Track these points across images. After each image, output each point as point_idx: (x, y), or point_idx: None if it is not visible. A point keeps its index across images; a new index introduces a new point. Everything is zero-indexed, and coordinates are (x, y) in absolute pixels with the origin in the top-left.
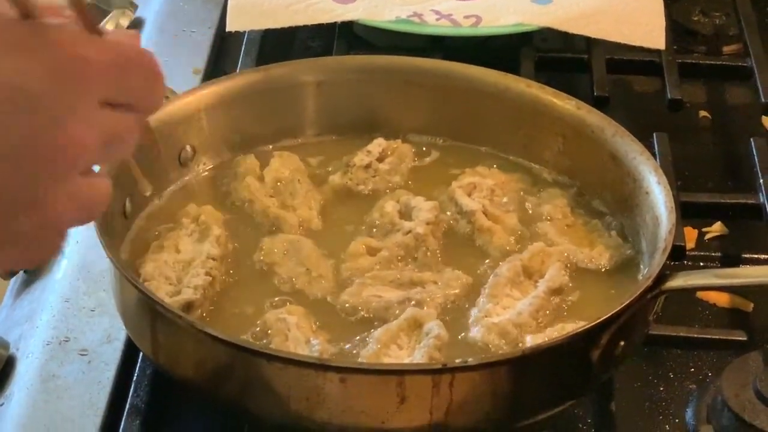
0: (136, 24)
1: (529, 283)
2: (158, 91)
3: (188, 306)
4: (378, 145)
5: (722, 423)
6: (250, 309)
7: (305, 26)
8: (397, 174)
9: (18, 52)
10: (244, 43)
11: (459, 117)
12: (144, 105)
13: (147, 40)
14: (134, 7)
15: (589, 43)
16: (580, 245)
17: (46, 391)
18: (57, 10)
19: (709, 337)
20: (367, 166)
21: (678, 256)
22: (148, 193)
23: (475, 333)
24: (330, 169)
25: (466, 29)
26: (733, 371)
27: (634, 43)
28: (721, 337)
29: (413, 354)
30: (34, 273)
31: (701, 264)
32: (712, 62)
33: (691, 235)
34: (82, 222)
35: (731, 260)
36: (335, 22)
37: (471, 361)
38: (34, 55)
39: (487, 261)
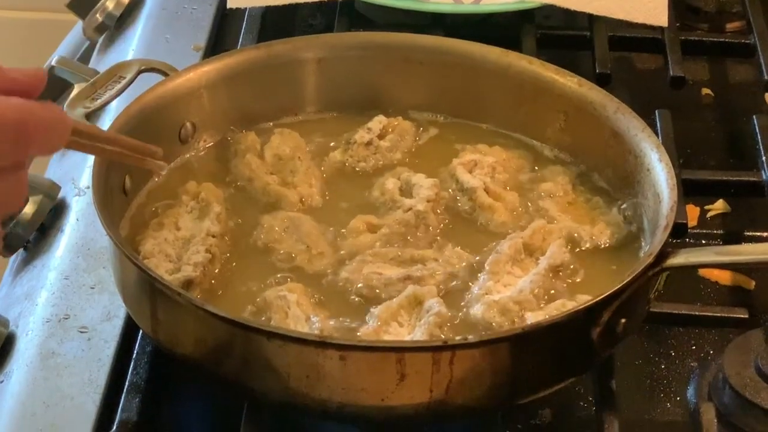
0: (137, 1)
1: (530, 261)
2: (23, 145)
3: (188, 283)
4: (378, 122)
5: (723, 401)
6: (250, 286)
7: (306, 3)
8: (398, 151)
9: None
10: (245, 20)
11: (460, 94)
12: (15, 160)
13: (148, 17)
14: None
15: (592, 20)
16: (581, 222)
17: (46, 368)
18: None
19: (710, 314)
20: (368, 144)
21: (680, 234)
22: (163, 171)
23: (476, 310)
24: (331, 146)
25: (467, 6)
26: (734, 349)
27: (636, 20)
28: (723, 315)
29: (413, 331)
30: (33, 250)
31: (703, 242)
32: (715, 39)
33: (693, 212)
34: None
35: (733, 238)
36: (336, 0)
37: (471, 338)
38: None
39: (488, 238)
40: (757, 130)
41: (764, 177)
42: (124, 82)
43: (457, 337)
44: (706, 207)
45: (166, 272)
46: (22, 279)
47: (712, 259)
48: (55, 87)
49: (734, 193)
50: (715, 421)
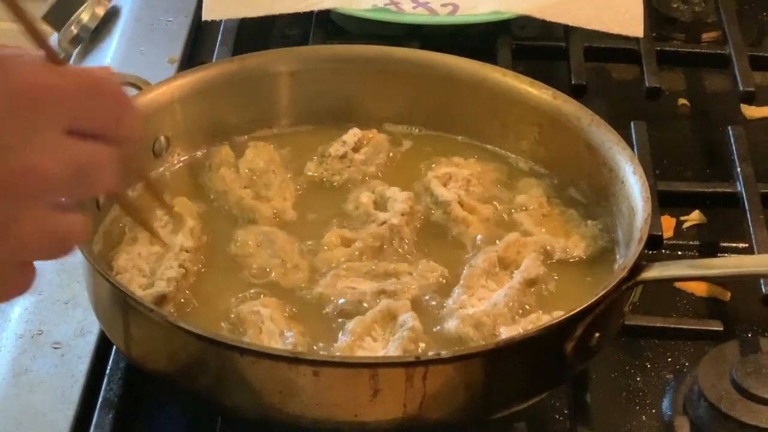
0: (112, 13)
1: (504, 274)
2: (127, 119)
3: (161, 299)
4: (353, 135)
5: (698, 413)
6: (224, 301)
7: (282, 15)
8: (373, 164)
9: None
10: (220, 32)
11: (435, 106)
12: (115, 134)
13: (123, 29)
14: None
15: (567, 31)
16: (556, 235)
17: (19, 384)
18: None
19: (685, 327)
20: (342, 157)
21: (655, 246)
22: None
23: (450, 325)
24: (305, 159)
25: (443, 17)
26: (709, 361)
27: (612, 31)
28: (698, 327)
29: (387, 346)
30: None
31: (679, 253)
32: (691, 50)
33: (668, 223)
34: (52, 255)
35: (709, 249)
36: (312, 11)
37: (444, 353)
38: None
39: (462, 252)
40: (732, 141)
41: (739, 188)
42: None
43: (430, 353)
44: (682, 218)
45: (139, 287)
46: None
47: (686, 273)
48: None
49: (710, 204)
50: None
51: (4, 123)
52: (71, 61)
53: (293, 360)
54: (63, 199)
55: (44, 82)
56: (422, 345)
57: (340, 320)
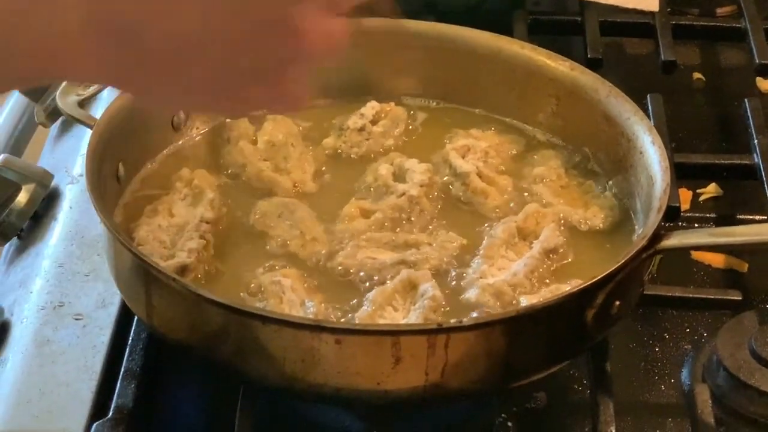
0: None
1: (523, 244)
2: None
3: (182, 269)
4: (371, 108)
5: (717, 382)
6: (245, 272)
7: None
8: (391, 137)
9: None
10: None
11: (452, 79)
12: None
13: None
14: None
15: (582, 5)
16: (574, 206)
17: (41, 355)
18: None
19: (704, 297)
20: (361, 129)
21: (672, 217)
22: None
23: (470, 294)
24: (323, 132)
25: None
26: (728, 331)
27: (627, 5)
28: (717, 297)
29: (408, 315)
30: (27, 239)
31: (696, 225)
32: (706, 24)
33: (685, 196)
34: (325, 53)
35: (726, 221)
36: None
37: (466, 321)
38: None
39: (481, 222)
40: (749, 113)
41: (756, 160)
42: None
43: (452, 320)
44: (699, 190)
45: (160, 258)
46: (17, 267)
47: (706, 241)
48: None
49: (726, 176)
50: (710, 402)
51: None
52: None
53: (316, 328)
54: None
55: None
56: (441, 314)
57: (360, 290)
